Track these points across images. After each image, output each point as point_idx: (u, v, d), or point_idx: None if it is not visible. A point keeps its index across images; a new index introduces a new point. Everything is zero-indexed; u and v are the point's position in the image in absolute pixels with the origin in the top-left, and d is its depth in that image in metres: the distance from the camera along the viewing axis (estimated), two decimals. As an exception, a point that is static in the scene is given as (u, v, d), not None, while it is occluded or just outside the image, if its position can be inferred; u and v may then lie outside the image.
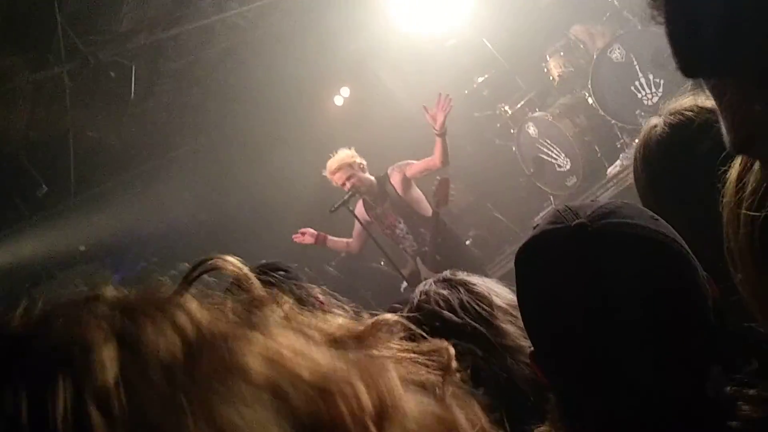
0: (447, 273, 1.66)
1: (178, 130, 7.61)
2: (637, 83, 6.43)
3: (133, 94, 5.83)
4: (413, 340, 0.52)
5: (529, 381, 1.41)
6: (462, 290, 1.58)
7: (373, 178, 5.40)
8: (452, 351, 0.52)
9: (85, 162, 6.51)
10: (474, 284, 1.60)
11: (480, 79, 7.65)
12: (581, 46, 7.09)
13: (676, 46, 0.58)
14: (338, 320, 0.49)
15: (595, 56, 6.64)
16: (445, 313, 1.52)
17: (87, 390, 0.35)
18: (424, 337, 0.54)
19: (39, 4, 5.05)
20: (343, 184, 5.29)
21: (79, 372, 0.36)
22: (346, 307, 0.54)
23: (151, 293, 0.44)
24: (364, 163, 5.42)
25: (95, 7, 5.60)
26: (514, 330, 1.50)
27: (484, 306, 1.54)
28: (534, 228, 1.13)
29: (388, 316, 0.52)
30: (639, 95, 6.44)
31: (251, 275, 0.49)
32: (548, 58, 7.21)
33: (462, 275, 1.65)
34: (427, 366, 0.49)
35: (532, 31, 7.61)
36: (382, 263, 5.85)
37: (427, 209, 5.39)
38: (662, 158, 1.55)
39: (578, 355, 1.05)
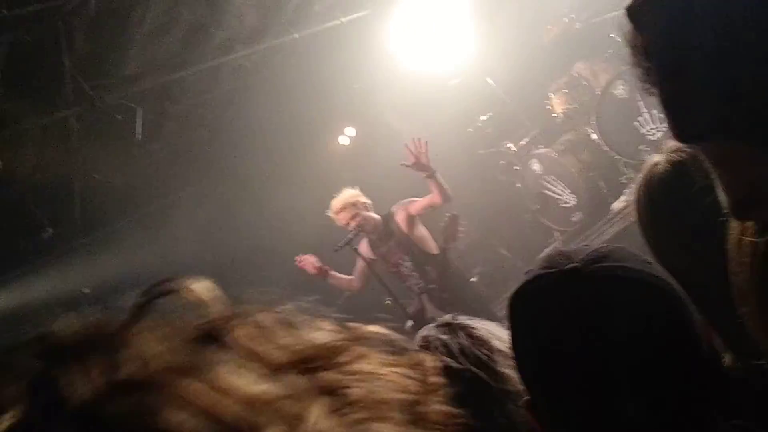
0: (448, 317, 1.65)
1: (183, 171, 7.65)
2: (640, 119, 6.47)
3: (139, 136, 5.87)
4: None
5: (530, 427, 1.39)
6: (462, 334, 1.56)
7: (377, 216, 5.41)
8: (435, 364, 0.50)
9: (91, 204, 6.54)
10: (474, 328, 1.58)
11: (484, 118, 7.70)
12: (584, 83, 7.14)
13: (672, 112, 0.58)
14: (315, 334, 0.46)
15: (598, 92, 6.69)
16: (445, 359, 1.51)
17: None
18: (407, 350, 0.51)
19: (46, 49, 5.13)
20: (348, 224, 5.29)
21: None
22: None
23: (98, 328, 0.42)
24: (369, 202, 5.43)
25: (102, 51, 5.68)
26: (515, 375, 1.48)
27: (483, 351, 1.52)
28: (526, 273, 1.12)
29: (370, 328, 0.49)
30: (642, 130, 6.46)
31: (211, 297, 0.46)
32: (551, 96, 7.26)
33: (463, 319, 1.63)
34: (408, 379, 0.47)
35: (536, 69, 7.68)
36: (388, 302, 5.83)
37: (433, 247, 5.38)
38: (664, 196, 1.54)
39: (574, 403, 1.03)
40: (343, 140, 8.67)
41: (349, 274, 5.70)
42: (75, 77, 5.48)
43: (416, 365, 0.49)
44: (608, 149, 6.70)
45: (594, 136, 6.81)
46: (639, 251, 1.25)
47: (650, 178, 1.57)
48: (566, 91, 7.16)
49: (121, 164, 6.28)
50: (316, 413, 0.40)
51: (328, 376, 0.43)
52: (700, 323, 1.06)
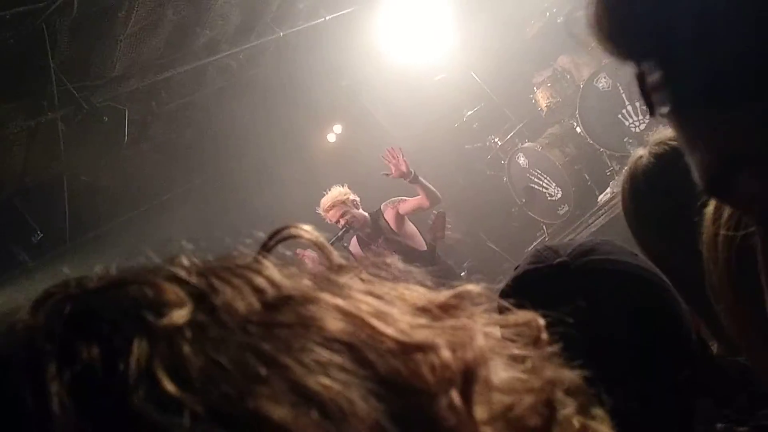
0: None
1: (172, 171, 7.65)
2: (624, 111, 6.53)
3: (126, 137, 5.88)
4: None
5: None
6: None
7: (366, 214, 5.44)
8: (542, 322, 0.50)
9: (80, 206, 6.53)
10: None
11: (469, 113, 7.74)
12: (568, 76, 7.20)
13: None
14: (419, 289, 0.47)
15: (581, 86, 6.75)
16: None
17: (159, 352, 0.35)
18: (510, 310, 0.51)
19: (32, 52, 5.12)
20: (337, 221, 5.32)
21: (151, 333, 0.35)
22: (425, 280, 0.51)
23: (228, 260, 0.44)
24: (358, 199, 5.46)
25: (88, 53, 5.67)
26: None
27: None
28: (515, 269, 1.15)
29: (471, 287, 0.49)
30: (626, 123, 6.53)
31: (327, 244, 0.48)
32: (536, 90, 7.32)
33: None
34: (514, 340, 0.47)
35: (520, 64, 7.73)
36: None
37: (422, 244, 5.42)
38: (648, 189, 1.58)
39: None
40: (331, 137, 8.70)
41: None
42: (61, 79, 5.48)
43: (523, 324, 0.49)
44: (593, 142, 6.76)
45: (579, 129, 6.87)
46: (626, 243, 1.28)
47: (634, 170, 1.61)
48: (550, 84, 7.22)
49: (109, 166, 6.28)
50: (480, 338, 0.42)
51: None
52: (687, 313, 1.09)
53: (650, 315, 1.07)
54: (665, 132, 1.61)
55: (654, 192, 1.56)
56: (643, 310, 1.06)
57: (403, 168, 5.24)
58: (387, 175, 5.39)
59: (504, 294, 1.13)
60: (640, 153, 1.62)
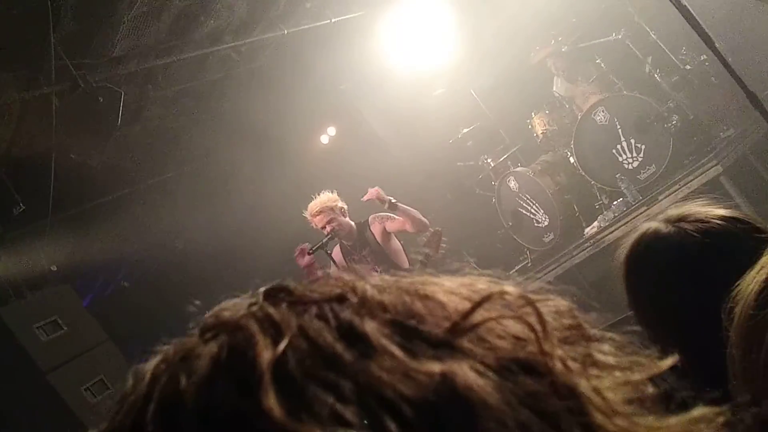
0: None
1: (162, 157, 7.59)
2: (618, 147, 6.56)
3: (119, 120, 5.81)
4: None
5: None
6: None
7: (353, 223, 5.41)
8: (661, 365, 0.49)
9: (66, 183, 6.45)
10: None
11: (465, 130, 7.75)
12: (566, 105, 7.22)
13: None
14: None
15: (579, 116, 6.77)
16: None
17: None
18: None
19: (34, 24, 5.05)
20: (323, 227, 5.29)
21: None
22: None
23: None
24: (346, 207, 5.43)
25: (90, 30, 5.61)
26: None
27: None
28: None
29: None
30: (620, 159, 6.56)
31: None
32: (533, 115, 7.33)
33: None
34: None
35: (520, 88, 7.75)
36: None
37: (405, 261, 5.41)
38: (673, 267, 1.54)
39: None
40: (324, 139, 8.68)
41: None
42: (60, 54, 5.41)
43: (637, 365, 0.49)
44: (585, 174, 6.78)
45: (572, 160, 6.89)
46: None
47: (653, 242, 1.57)
48: (548, 112, 7.24)
49: (99, 146, 6.21)
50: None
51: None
52: None
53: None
54: (694, 210, 1.59)
55: (679, 271, 1.52)
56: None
57: (382, 195, 5.26)
58: (367, 200, 5.37)
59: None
60: (658, 227, 1.59)
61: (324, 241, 5.18)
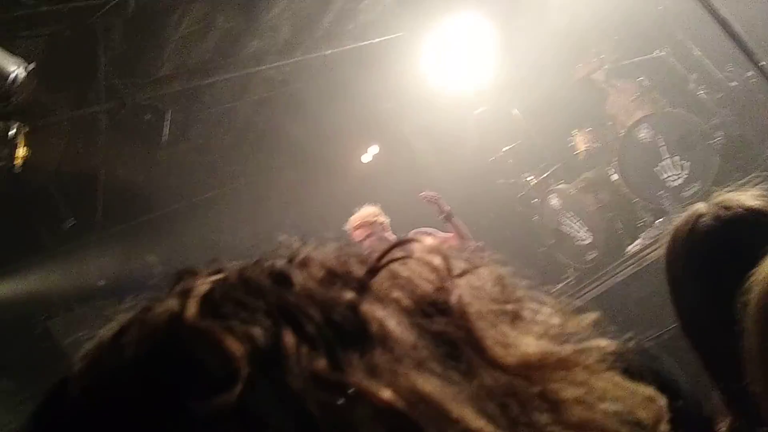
0: None
1: (206, 175, 7.74)
2: (662, 164, 6.47)
3: (165, 138, 5.96)
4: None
5: None
6: None
7: (393, 238, 5.40)
8: (664, 406, 0.49)
9: (113, 199, 6.63)
10: None
11: (506, 148, 7.72)
12: (609, 122, 7.16)
13: None
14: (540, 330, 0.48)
15: (622, 134, 6.70)
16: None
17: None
18: (636, 380, 0.49)
19: (86, 44, 5.24)
20: (363, 241, 5.29)
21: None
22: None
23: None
24: (387, 222, 5.43)
25: (138, 50, 5.79)
26: None
27: None
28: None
29: (600, 341, 0.49)
30: (664, 176, 6.46)
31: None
32: (575, 132, 7.28)
33: None
34: (634, 411, 0.46)
35: (562, 105, 7.71)
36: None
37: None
38: (708, 253, 1.53)
39: None
40: (366, 157, 8.74)
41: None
42: (109, 74, 5.59)
43: (648, 400, 0.48)
44: (628, 191, 6.70)
45: (614, 177, 6.81)
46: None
47: (695, 228, 1.56)
48: (590, 129, 7.18)
49: (145, 163, 6.37)
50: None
51: (552, 386, 0.44)
52: None
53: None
54: (733, 198, 1.58)
55: (714, 259, 1.52)
56: None
57: (444, 205, 5.30)
58: (424, 198, 5.40)
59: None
60: (702, 211, 1.58)
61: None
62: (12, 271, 6.42)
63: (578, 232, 7.00)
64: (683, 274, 1.59)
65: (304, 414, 0.37)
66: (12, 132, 4.30)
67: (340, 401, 0.37)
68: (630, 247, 6.58)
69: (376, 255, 0.47)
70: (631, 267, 6.30)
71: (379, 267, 0.46)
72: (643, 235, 6.50)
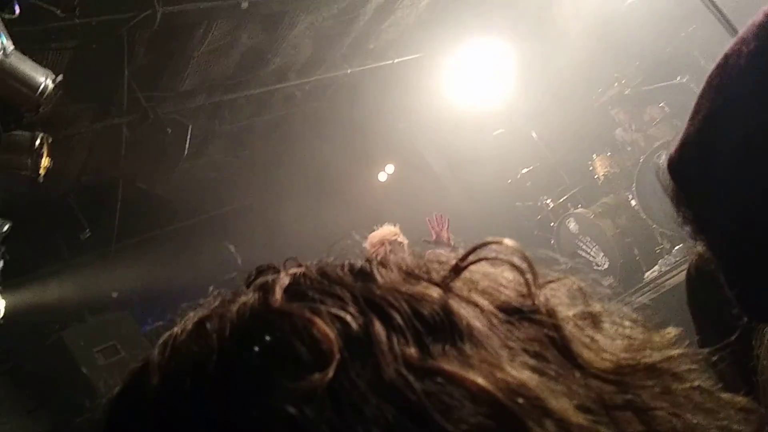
0: None
1: (224, 190, 7.77)
2: (682, 190, 6.42)
3: (186, 152, 5.99)
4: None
5: None
6: None
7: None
8: (764, 419, 0.48)
9: (131, 211, 6.65)
10: None
11: (524, 170, 7.71)
12: (628, 148, 7.14)
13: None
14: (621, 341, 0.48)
15: (641, 159, 6.68)
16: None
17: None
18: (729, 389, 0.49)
19: (110, 58, 5.29)
20: (382, 261, 5.28)
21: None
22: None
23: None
24: (406, 243, 5.42)
25: (162, 65, 5.83)
26: None
27: None
28: None
29: (691, 351, 0.49)
30: (683, 203, 6.41)
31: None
32: (595, 157, 7.26)
33: None
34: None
35: (582, 129, 7.70)
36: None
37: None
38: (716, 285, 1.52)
39: None
40: (382, 176, 8.75)
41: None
42: (132, 87, 5.63)
43: (744, 411, 0.47)
44: (646, 217, 6.66)
45: (633, 203, 6.78)
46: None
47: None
48: (610, 154, 7.17)
49: (165, 176, 6.39)
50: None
51: (642, 393, 0.43)
52: None
53: None
54: None
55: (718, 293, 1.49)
56: None
57: (444, 236, 5.22)
58: (427, 241, 5.36)
59: None
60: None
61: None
62: (31, 280, 6.45)
63: (595, 257, 6.96)
64: (700, 304, 1.58)
65: (402, 400, 0.36)
66: (37, 142, 4.33)
67: (438, 388, 0.37)
68: (648, 274, 6.52)
69: (457, 256, 0.47)
70: (649, 293, 6.24)
71: (462, 267, 0.46)
72: (661, 261, 6.45)
